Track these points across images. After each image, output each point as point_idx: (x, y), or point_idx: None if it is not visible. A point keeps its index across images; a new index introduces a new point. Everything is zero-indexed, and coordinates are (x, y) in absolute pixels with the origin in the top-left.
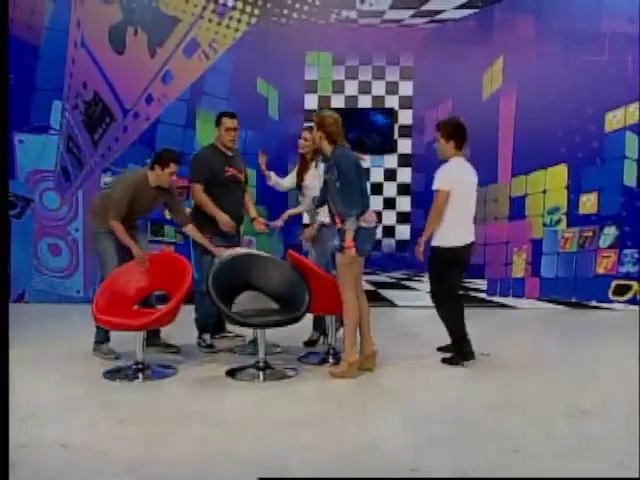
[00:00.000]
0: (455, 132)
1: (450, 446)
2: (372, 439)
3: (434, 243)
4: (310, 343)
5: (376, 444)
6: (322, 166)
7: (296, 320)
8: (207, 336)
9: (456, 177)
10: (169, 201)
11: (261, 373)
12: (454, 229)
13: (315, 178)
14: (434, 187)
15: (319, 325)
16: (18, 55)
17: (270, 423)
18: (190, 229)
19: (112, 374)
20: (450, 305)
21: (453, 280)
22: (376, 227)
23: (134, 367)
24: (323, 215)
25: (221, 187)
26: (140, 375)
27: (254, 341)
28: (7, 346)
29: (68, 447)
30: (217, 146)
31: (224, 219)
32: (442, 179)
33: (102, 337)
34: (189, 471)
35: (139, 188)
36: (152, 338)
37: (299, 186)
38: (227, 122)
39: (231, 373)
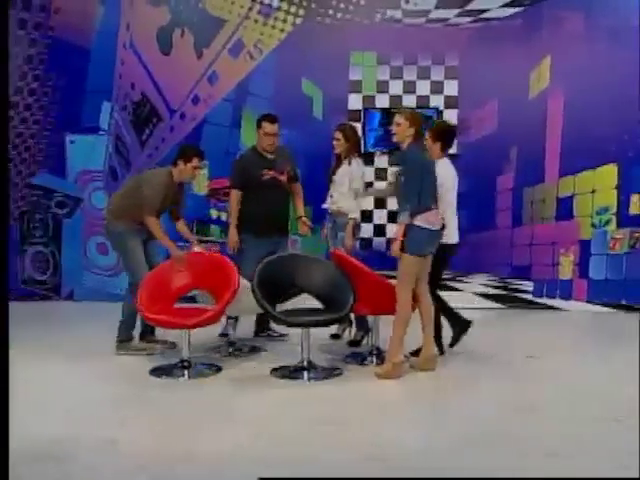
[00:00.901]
0: (443, 134)
1: (487, 450)
2: (411, 441)
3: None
4: (354, 343)
5: (415, 446)
6: (355, 163)
7: (340, 320)
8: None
9: (453, 176)
10: (178, 195)
11: (305, 373)
12: (453, 227)
13: (345, 175)
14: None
15: (362, 324)
16: (70, 58)
17: (308, 423)
18: (180, 225)
19: (158, 371)
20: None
21: (440, 277)
22: (440, 230)
23: (180, 365)
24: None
25: (259, 191)
26: (185, 372)
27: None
28: (7, 346)
29: (112, 443)
30: (257, 149)
31: (230, 235)
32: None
33: (126, 335)
34: (226, 469)
35: (168, 185)
36: (147, 334)
37: (329, 183)
38: (266, 127)
39: (275, 372)
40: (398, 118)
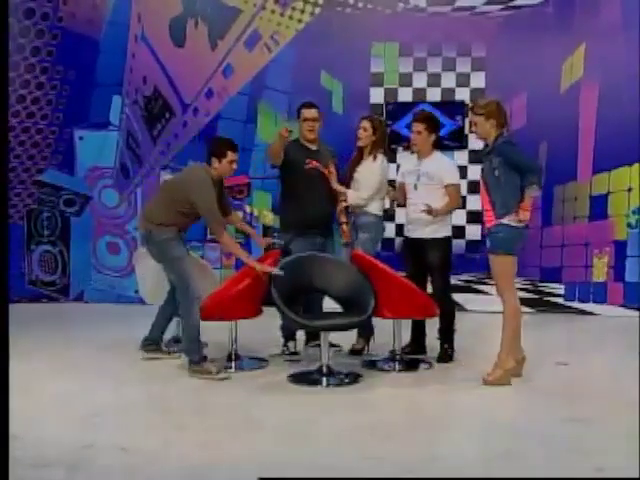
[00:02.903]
0: (437, 126)
1: (522, 461)
2: (436, 451)
3: (441, 235)
4: (355, 352)
5: (440, 456)
6: (380, 160)
7: (361, 323)
8: (292, 344)
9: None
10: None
11: (324, 379)
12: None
13: (372, 174)
14: (455, 181)
15: (365, 332)
16: (79, 50)
17: (327, 430)
18: (229, 219)
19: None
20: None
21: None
22: (525, 228)
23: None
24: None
25: (303, 182)
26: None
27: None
28: (7, 346)
29: (127, 450)
30: (299, 140)
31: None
32: (456, 173)
33: (201, 354)
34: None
35: (214, 186)
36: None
37: (349, 180)
38: (304, 112)
39: (293, 378)
40: (472, 117)
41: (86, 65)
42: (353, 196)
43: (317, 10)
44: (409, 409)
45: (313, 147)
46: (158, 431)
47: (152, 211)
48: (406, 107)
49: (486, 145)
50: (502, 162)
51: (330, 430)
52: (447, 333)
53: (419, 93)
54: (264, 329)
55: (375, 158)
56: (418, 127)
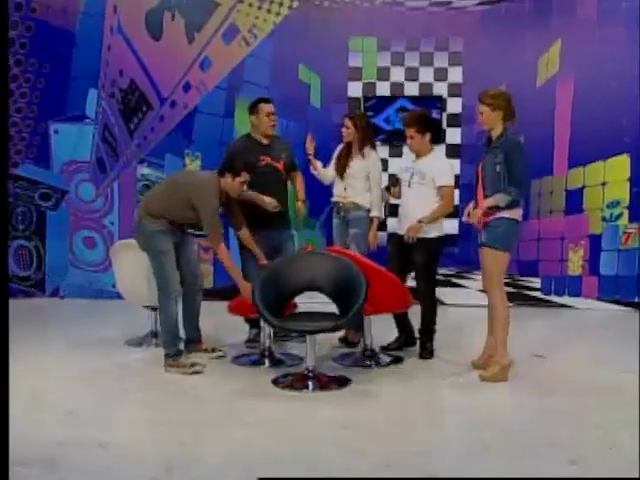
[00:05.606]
0: (430, 125)
1: (506, 455)
2: (421, 446)
3: (432, 235)
4: (345, 340)
5: (425, 451)
6: (373, 156)
7: (340, 327)
8: (254, 331)
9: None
10: (229, 202)
11: (310, 382)
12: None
13: (360, 170)
14: (448, 183)
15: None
16: (53, 42)
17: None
18: (243, 233)
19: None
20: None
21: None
22: (519, 222)
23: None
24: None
25: (255, 179)
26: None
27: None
28: (7, 346)
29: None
30: (252, 135)
31: (264, 200)
32: (451, 174)
33: (178, 348)
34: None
35: (219, 198)
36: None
37: (341, 174)
38: (265, 107)
39: (276, 382)
40: (480, 107)
41: (61, 57)
42: (377, 213)
43: (295, 4)
44: (387, 404)
45: (265, 141)
46: (138, 427)
47: (148, 200)
48: (385, 101)
49: (489, 138)
50: (504, 159)
51: (313, 427)
52: (428, 331)
53: (397, 87)
54: None
55: (364, 156)
56: (409, 131)
